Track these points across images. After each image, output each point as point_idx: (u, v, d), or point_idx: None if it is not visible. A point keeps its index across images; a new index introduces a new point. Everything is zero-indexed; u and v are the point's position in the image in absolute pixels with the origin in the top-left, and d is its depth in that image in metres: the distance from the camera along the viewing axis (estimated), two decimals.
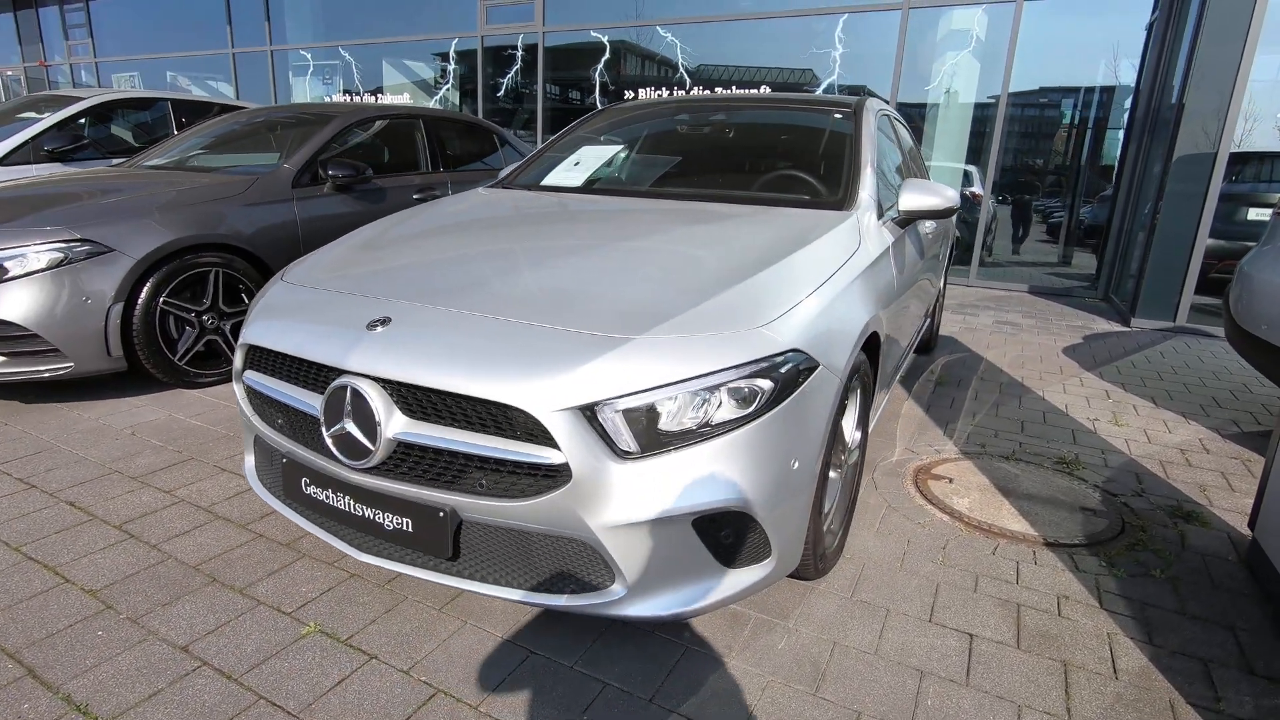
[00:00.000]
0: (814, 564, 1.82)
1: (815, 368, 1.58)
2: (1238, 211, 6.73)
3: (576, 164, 2.89)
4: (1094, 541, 2.26)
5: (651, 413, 1.41)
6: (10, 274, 2.85)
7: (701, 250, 1.88)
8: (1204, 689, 1.64)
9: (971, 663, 1.69)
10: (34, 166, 4.99)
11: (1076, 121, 8.25)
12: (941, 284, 4.32)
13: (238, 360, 1.83)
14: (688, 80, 8.52)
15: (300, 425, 1.67)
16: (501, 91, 9.90)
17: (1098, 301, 6.77)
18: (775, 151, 2.79)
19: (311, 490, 1.65)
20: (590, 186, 2.77)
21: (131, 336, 3.07)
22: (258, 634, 1.69)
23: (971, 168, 7.67)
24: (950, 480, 2.66)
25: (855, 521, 2.33)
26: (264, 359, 1.76)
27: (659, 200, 2.41)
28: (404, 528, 1.52)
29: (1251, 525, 2.14)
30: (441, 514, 1.47)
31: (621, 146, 2.99)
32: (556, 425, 1.36)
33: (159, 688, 1.52)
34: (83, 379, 3.35)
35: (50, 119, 5.12)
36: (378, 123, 4.37)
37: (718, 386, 1.44)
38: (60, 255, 2.89)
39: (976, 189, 7.55)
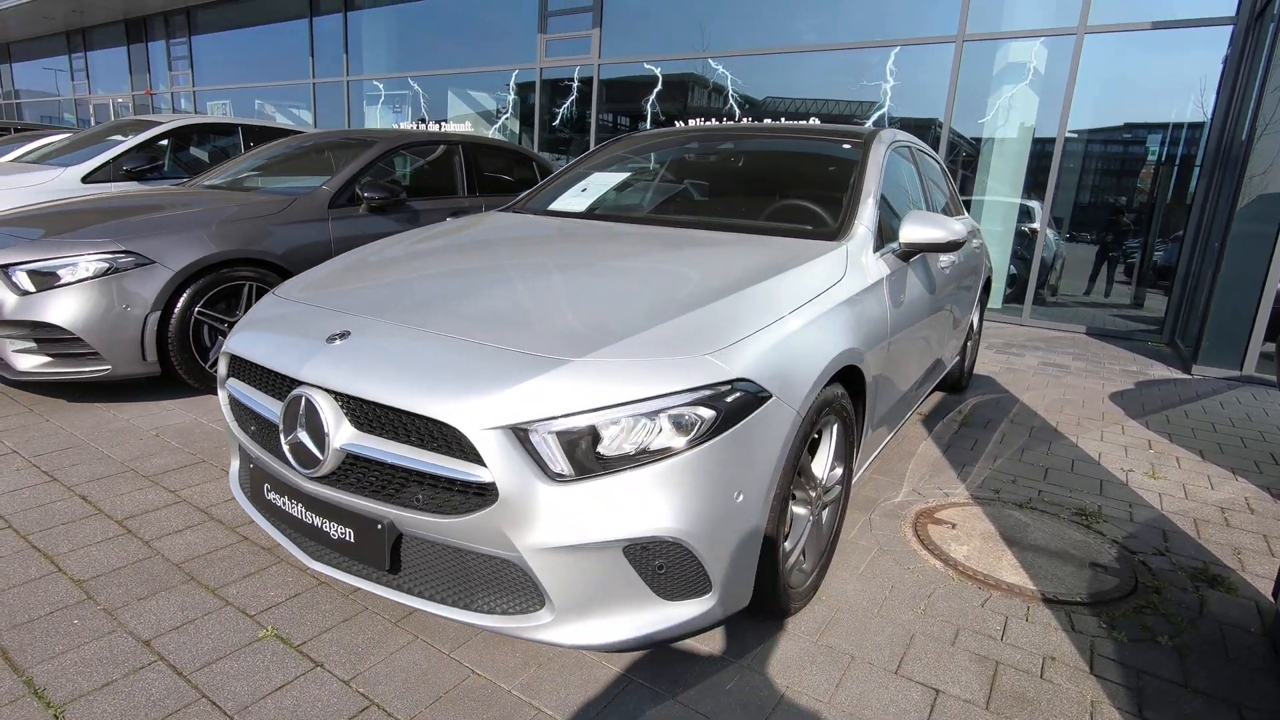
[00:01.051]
0: (774, 603, 1.75)
1: (767, 398, 1.54)
2: None
3: (584, 190, 2.94)
4: (1098, 600, 2.10)
5: (587, 436, 1.40)
6: (62, 281, 3.07)
7: (672, 275, 1.87)
8: None
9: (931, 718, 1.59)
10: (113, 185, 5.40)
11: (1146, 158, 7.87)
12: (974, 320, 4.16)
13: (222, 368, 1.92)
14: (737, 111, 8.56)
15: (266, 432, 1.73)
16: (557, 121, 10.18)
17: (1162, 346, 6.38)
18: (779, 181, 2.76)
19: (271, 496, 1.70)
20: (591, 213, 2.81)
21: (166, 343, 3.26)
22: (217, 634, 1.74)
23: (1034, 203, 7.40)
24: (953, 526, 2.53)
25: (839, 563, 2.24)
26: (242, 367, 1.84)
27: (651, 227, 2.42)
28: (347, 537, 1.55)
29: (1276, 594, 1.95)
30: (380, 526, 1.50)
31: (629, 174, 3.02)
32: (485, 443, 1.37)
33: (113, 678, 1.58)
34: (120, 381, 3.57)
35: (130, 141, 5.54)
36: (418, 148, 4.55)
37: (657, 412, 1.42)
38: (106, 265, 3.11)
39: (1035, 224, 7.28)
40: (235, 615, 1.82)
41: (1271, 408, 4.41)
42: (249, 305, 3.52)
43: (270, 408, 1.68)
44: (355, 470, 1.53)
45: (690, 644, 1.80)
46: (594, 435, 1.40)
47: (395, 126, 12.06)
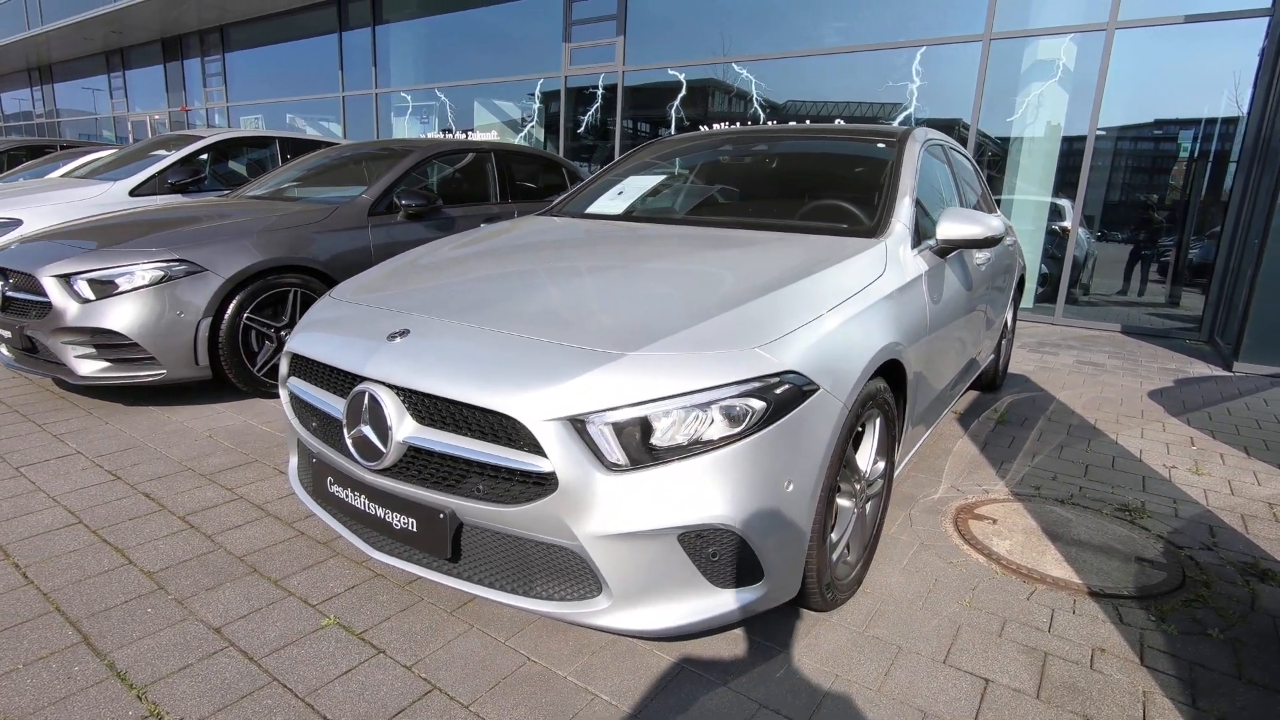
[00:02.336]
0: (819, 594, 1.78)
1: (815, 390, 1.57)
2: None
3: (620, 193, 3.00)
4: (1146, 594, 2.10)
5: (641, 427, 1.45)
6: (120, 289, 3.20)
7: (716, 273, 1.92)
8: None
9: (982, 708, 1.60)
10: (159, 197, 5.59)
11: (1179, 154, 7.75)
12: (1008, 318, 4.14)
13: (283, 367, 2.00)
14: (762, 115, 8.59)
15: (328, 427, 1.80)
16: (582, 128, 10.28)
17: (1201, 344, 6.27)
18: (814, 181, 2.79)
19: (334, 489, 1.77)
20: (628, 215, 2.86)
21: (217, 348, 3.38)
22: (283, 622, 1.82)
23: (1065, 201, 7.32)
24: (994, 521, 2.53)
25: (881, 557, 2.26)
26: (303, 367, 1.91)
27: (689, 227, 2.47)
28: (409, 527, 1.61)
29: None
30: (441, 515, 1.55)
31: (664, 177, 3.07)
32: (545, 434, 1.42)
33: (189, 662, 1.65)
34: (172, 385, 3.69)
35: (174, 155, 5.73)
36: (452, 156, 4.65)
37: (710, 404, 1.47)
38: (161, 273, 3.23)
39: (1067, 223, 7.20)
40: (298, 605, 1.89)
41: None
42: (294, 311, 3.63)
43: (333, 404, 1.75)
44: (417, 462, 1.59)
45: (739, 633, 1.84)
46: (648, 426, 1.45)
47: (423, 136, 12.28)
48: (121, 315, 3.18)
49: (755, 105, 8.62)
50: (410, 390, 1.58)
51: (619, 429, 1.44)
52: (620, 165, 3.30)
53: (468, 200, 4.71)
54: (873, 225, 2.34)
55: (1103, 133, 6.76)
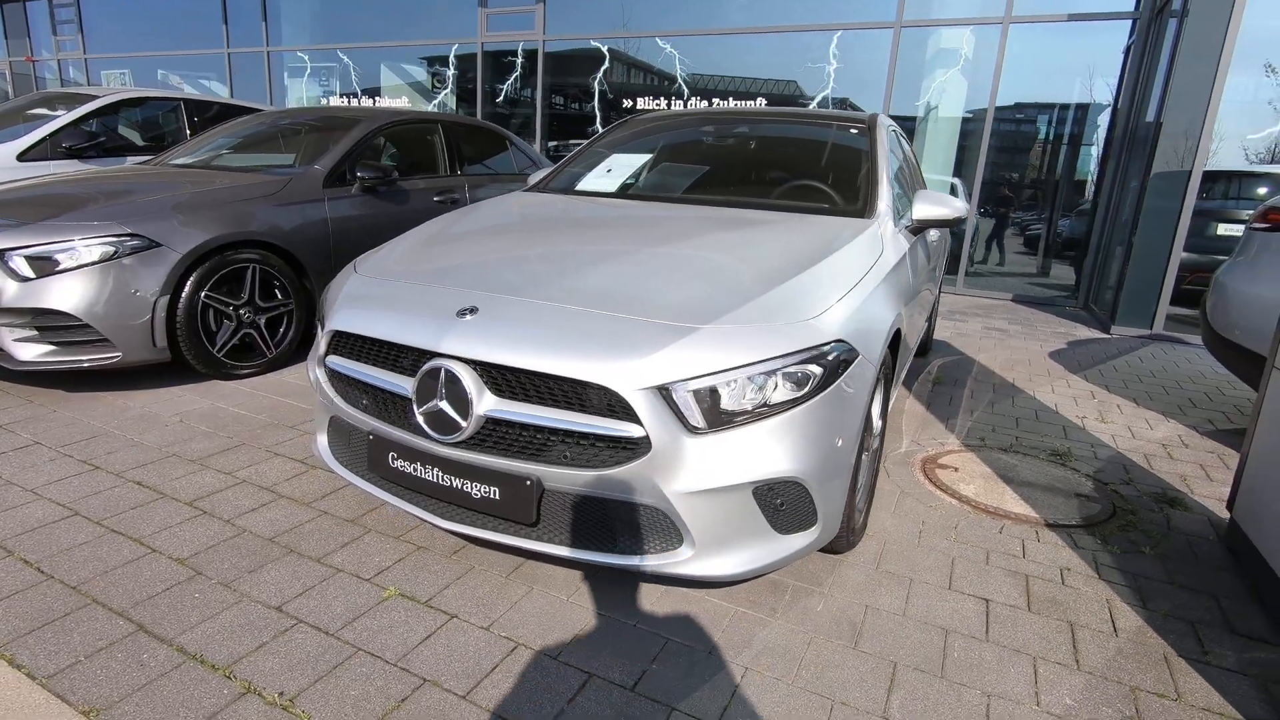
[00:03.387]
0: (846, 536, 2.01)
1: (856, 357, 1.77)
2: (1207, 227, 7.11)
3: (609, 171, 3.08)
4: (1090, 523, 2.48)
5: (716, 393, 1.59)
6: (62, 266, 2.96)
7: (745, 253, 2.07)
8: (1193, 644, 1.85)
9: (990, 622, 1.89)
10: (52, 163, 5.06)
11: (1053, 138, 8.61)
12: (937, 291, 4.56)
13: (322, 346, 1.99)
14: (686, 90, 8.75)
15: (388, 405, 1.83)
16: (501, 97, 10.05)
17: (1079, 310, 7.09)
18: (798, 163, 2.99)
19: (399, 464, 1.81)
20: (626, 192, 2.95)
21: (175, 329, 3.19)
22: (344, 597, 1.84)
23: (956, 180, 7.98)
24: (955, 469, 2.88)
25: (873, 504, 2.53)
26: (349, 344, 1.91)
27: (694, 207, 2.60)
28: (491, 496, 1.69)
29: (1230, 507, 2.38)
30: (528, 482, 1.64)
31: (651, 155, 3.18)
32: (638, 402, 1.55)
33: (264, 640, 1.66)
34: (121, 370, 3.45)
35: (69, 116, 5.19)
36: (400, 127, 4.51)
37: (775, 371, 1.63)
38: (111, 249, 3.01)
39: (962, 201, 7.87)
40: (352, 580, 1.92)
41: (1180, 360, 5.06)
42: (253, 289, 3.47)
43: (396, 382, 1.78)
44: (495, 434, 1.67)
45: (772, 578, 2.04)
46: (719, 393, 1.60)
47: (324, 102, 11.57)
48: (69, 294, 2.94)
49: (680, 80, 8.75)
50: (490, 364, 1.65)
51: (699, 395, 1.58)
52: (599, 143, 3.37)
53: (418, 172, 4.60)
54: (862, 207, 2.57)
55: (999, 118, 7.41)
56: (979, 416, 3.57)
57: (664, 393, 1.56)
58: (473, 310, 1.74)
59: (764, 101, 8.41)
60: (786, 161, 3.03)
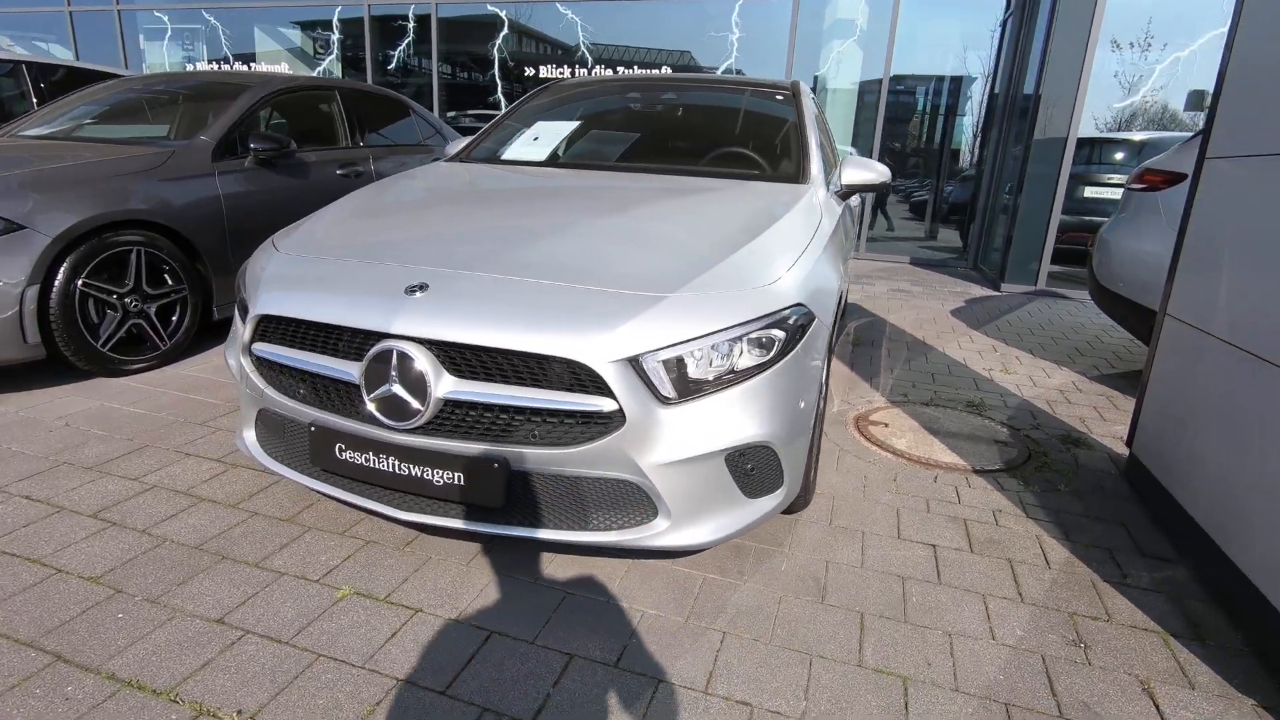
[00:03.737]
0: (803, 495, 2.06)
1: (813, 320, 1.80)
2: (1075, 189, 7.73)
3: (536, 139, 2.96)
4: (1010, 467, 2.67)
5: (684, 362, 1.57)
6: None
7: (693, 220, 2.05)
8: (1113, 570, 2.03)
9: (940, 566, 1.99)
10: None
11: (937, 108, 9.09)
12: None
13: (246, 333, 1.81)
14: (589, 59, 8.57)
15: (330, 392, 1.69)
16: (392, 65, 9.49)
17: (969, 270, 7.57)
18: (727, 129, 2.99)
19: (347, 455, 1.68)
20: (557, 161, 2.85)
21: (49, 322, 2.83)
22: (292, 601, 1.71)
23: (852, 149, 8.28)
24: (886, 425, 3.01)
25: (819, 463, 2.61)
26: (279, 329, 1.75)
27: (632, 175, 2.55)
28: (455, 481, 1.60)
29: (1129, 444, 2.61)
30: (496, 465, 1.57)
31: (578, 123, 3.08)
32: (610, 375, 1.50)
33: (208, 657, 1.52)
34: None
35: None
36: (294, 94, 4.16)
37: (740, 338, 1.63)
38: None
39: None
40: (298, 583, 1.79)
41: (1064, 313, 5.51)
42: (140, 274, 3.13)
43: (340, 367, 1.64)
44: (455, 416, 1.58)
45: (736, 542, 2.06)
46: (686, 361, 1.58)
47: (189, 67, 10.53)
48: None
49: (582, 48, 8.56)
50: (447, 343, 1.55)
51: (668, 365, 1.56)
52: (520, 110, 3.24)
53: (316, 143, 4.27)
54: (795, 172, 2.60)
55: (895, 87, 7.72)
56: (899, 374, 3.75)
57: (635, 364, 1.53)
58: (422, 287, 1.63)
59: (669, 70, 8.37)
60: (716, 128, 3.02)
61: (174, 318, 3.33)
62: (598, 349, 1.50)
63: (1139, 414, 2.56)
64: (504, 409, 1.56)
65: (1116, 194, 7.34)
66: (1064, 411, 3.31)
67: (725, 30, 7.97)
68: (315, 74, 9.89)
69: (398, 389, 1.57)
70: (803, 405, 1.77)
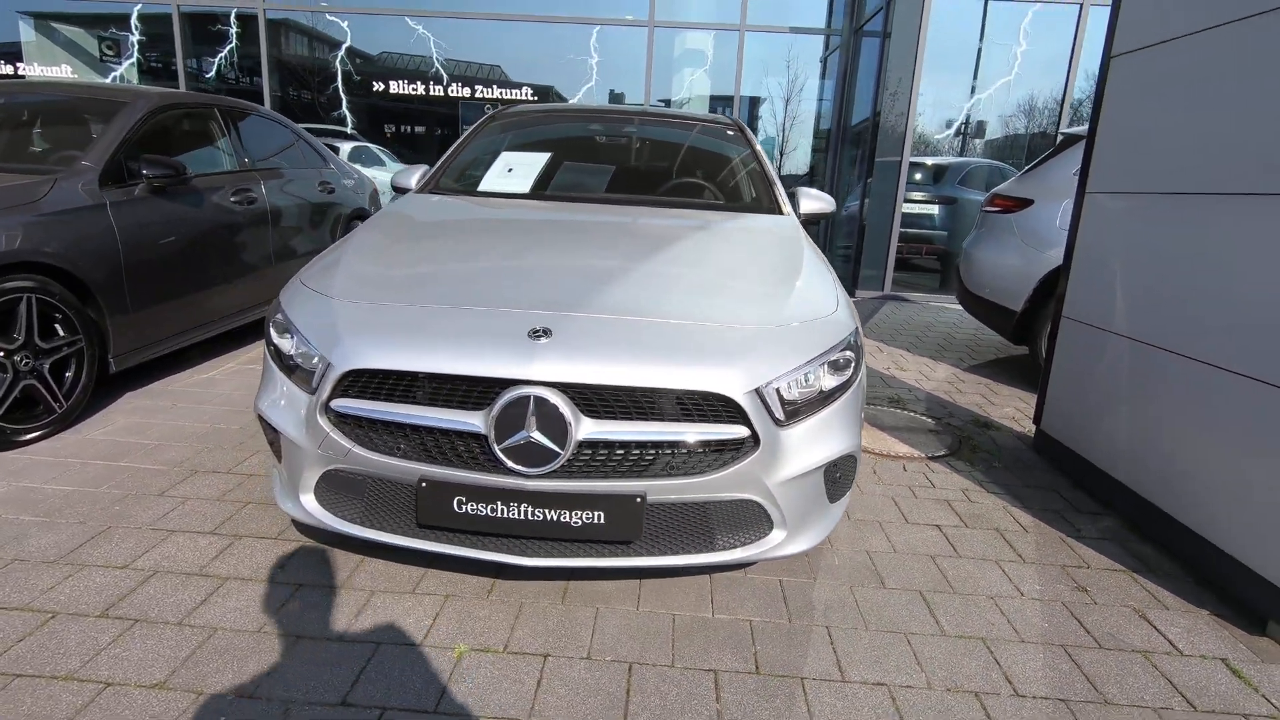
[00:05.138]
0: None
1: (861, 341, 2.05)
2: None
3: (510, 170, 2.94)
4: (952, 451, 3.13)
5: (791, 387, 1.74)
6: None
7: (733, 254, 2.25)
8: (1069, 527, 2.50)
9: (951, 542, 2.34)
10: None
11: (787, 133, 10.02)
12: None
13: (325, 390, 1.67)
14: (444, 76, 8.34)
15: (444, 445, 1.63)
16: (211, 74, 8.53)
17: None
18: (692, 163, 3.18)
19: (469, 508, 1.63)
20: (542, 194, 2.86)
21: None
22: (411, 670, 1.62)
23: None
24: None
25: None
26: (368, 384, 1.65)
27: (635, 209, 2.66)
28: (595, 520, 1.63)
29: (1037, 421, 3.19)
30: (638, 500, 1.62)
31: (546, 155, 3.09)
32: (746, 404, 1.63)
33: None
34: None
35: None
36: (174, 111, 3.69)
37: (827, 362, 1.83)
38: None
39: None
40: (403, 650, 1.69)
41: (913, 314, 6.38)
42: (30, 327, 2.64)
43: (456, 419, 1.59)
44: (591, 457, 1.61)
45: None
46: (795, 385, 1.75)
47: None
48: None
49: (437, 65, 8.31)
50: (583, 386, 1.58)
51: (780, 391, 1.72)
52: (476, 139, 3.18)
53: (199, 167, 3.82)
54: (772, 204, 2.86)
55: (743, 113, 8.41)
56: None
57: (758, 393, 1.66)
58: (546, 332, 1.63)
59: (529, 91, 8.40)
60: (684, 162, 3.20)
61: (68, 374, 2.84)
62: (733, 381, 1.62)
63: (1044, 397, 3.14)
64: (640, 444, 1.62)
65: (925, 209, 8.60)
66: (961, 400, 3.91)
67: (585, 54, 8.18)
68: (111, 79, 8.60)
69: (536, 435, 1.56)
70: (862, 415, 2.00)
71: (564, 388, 1.58)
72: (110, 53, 8.81)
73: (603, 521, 1.64)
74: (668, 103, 8.26)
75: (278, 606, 1.82)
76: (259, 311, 4.15)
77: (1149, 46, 2.59)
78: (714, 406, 1.64)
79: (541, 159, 2.96)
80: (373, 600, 1.87)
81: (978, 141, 8.05)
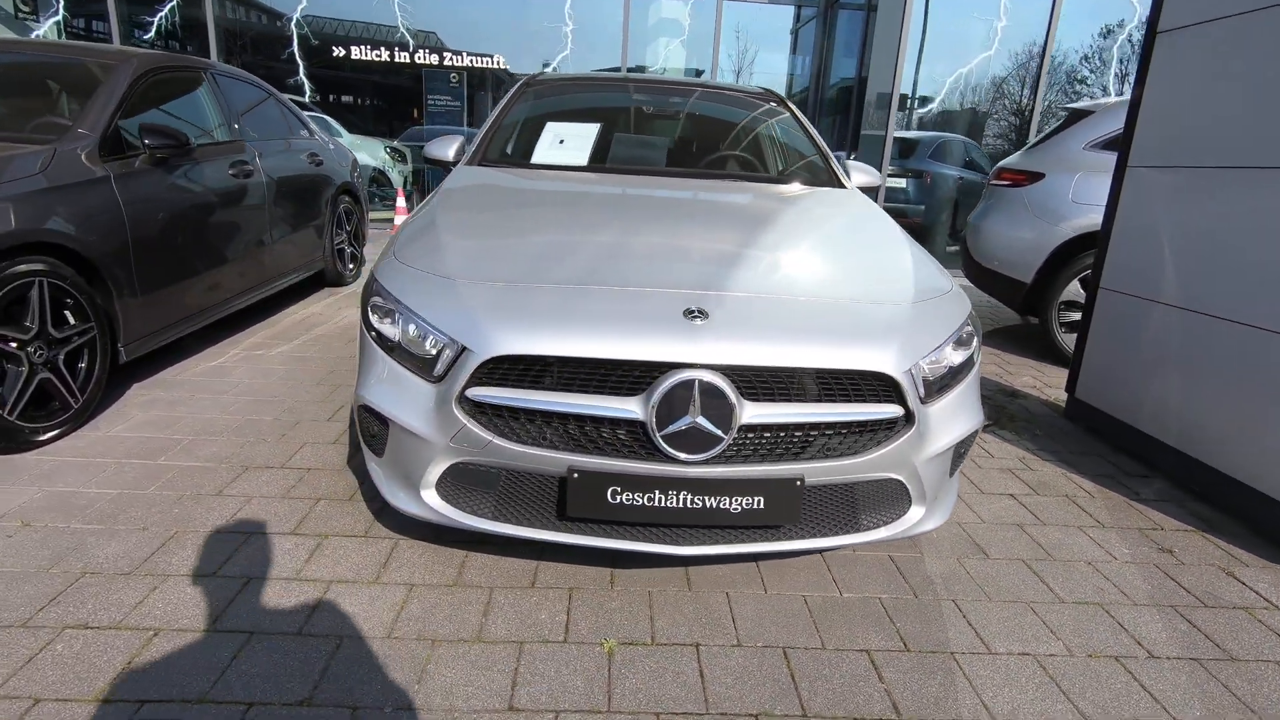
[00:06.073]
0: None
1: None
2: None
3: (561, 142, 2.80)
4: (997, 422, 3.21)
5: (933, 365, 1.72)
6: None
7: (833, 230, 2.22)
8: (1128, 490, 2.60)
9: (1031, 511, 2.39)
10: None
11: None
12: None
13: (461, 378, 1.56)
14: (410, 41, 7.93)
15: (595, 433, 1.55)
16: (149, 35, 7.86)
17: None
18: (741, 134, 3.11)
19: (624, 498, 1.55)
20: (603, 165, 2.74)
21: None
22: (568, 671, 1.55)
23: None
24: None
25: None
26: (508, 371, 1.55)
27: (704, 181, 2.58)
28: (755, 506, 1.58)
29: (1070, 390, 3.30)
30: (797, 483, 1.58)
31: (597, 126, 2.95)
32: (905, 383, 1.60)
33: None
34: None
35: None
36: (165, 73, 3.37)
37: (960, 337, 1.82)
38: None
39: None
40: (553, 649, 1.61)
41: None
42: (44, 314, 2.39)
43: (611, 405, 1.51)
44: (751, 441, 1.56)
45: None
46: (938, 362, 1.74)
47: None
48: None
49: (402, 30, 7.89)
50: (744, 368, 1.52)
51: (926, 369, 1.70)
52: (514, 109, 3.02)
53: (195, 137, 3.51)
54: (834, 177, 2.83)
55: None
56: None
57: (911, 371, 1.64)
58: (702, 313, 1.56)
59: (501, 59, 8.09)
60: (736, 134, 3.12)
61: (81, 365, 2.58)
62: (892, 359, 1.59)
63: (1079, 366, 3.24)
64: (799, 426, 1.58)
65: (897, 182, 8.75)
66: (984, 371, 4.00)
67: (559, 21, 7.91)
68: (36, 35, 7.83)
69: (701, 420, 1.50)
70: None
71: (726, 370, 1.52)
72: (26, 8, 8.01)
73: (762, 506, 1.59)
74: (699, 73, 8.12)
75: (396, 609, 1.71)
76: (262, 291, 3.88)
77: (1198, 24, 2.65)
78: (871, 386, 1.60)
79: (592, 130, 2.83)
80: (495, 598, 1.78)
81: (955, 116, 8.22)
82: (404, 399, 1.66)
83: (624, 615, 1.74)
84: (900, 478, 1.71)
